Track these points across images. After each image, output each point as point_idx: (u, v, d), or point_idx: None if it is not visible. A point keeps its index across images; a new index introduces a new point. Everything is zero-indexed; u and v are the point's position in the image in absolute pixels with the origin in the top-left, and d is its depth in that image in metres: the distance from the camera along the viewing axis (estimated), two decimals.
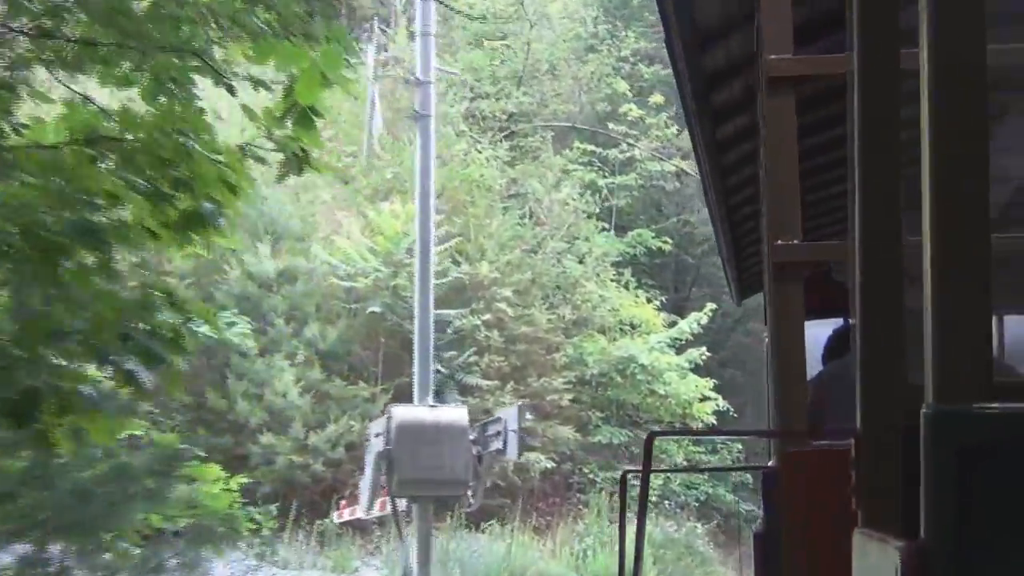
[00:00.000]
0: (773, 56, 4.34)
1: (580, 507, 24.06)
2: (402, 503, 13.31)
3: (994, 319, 4.07)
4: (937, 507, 1.55)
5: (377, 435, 12.39)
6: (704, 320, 25.88)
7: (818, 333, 5.52)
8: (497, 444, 12.88)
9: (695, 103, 6.15)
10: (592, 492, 23.84)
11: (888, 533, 1.83)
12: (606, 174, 29.18)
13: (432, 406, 12.81)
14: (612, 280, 25.78)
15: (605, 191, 29.31)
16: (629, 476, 5.80)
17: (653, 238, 29.12)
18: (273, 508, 20.48)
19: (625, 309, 25.80)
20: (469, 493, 13.43)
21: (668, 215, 30.76)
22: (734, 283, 11.10)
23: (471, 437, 13.12)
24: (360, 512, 14.49)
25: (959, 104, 1.62)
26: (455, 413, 13.05)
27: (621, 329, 25.87)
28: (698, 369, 26.44)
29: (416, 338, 13.24)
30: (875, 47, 2.07)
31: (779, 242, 4.32)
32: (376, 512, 14.03)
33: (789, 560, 3.89)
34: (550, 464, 23.36)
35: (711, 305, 26.28)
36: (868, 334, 2.08)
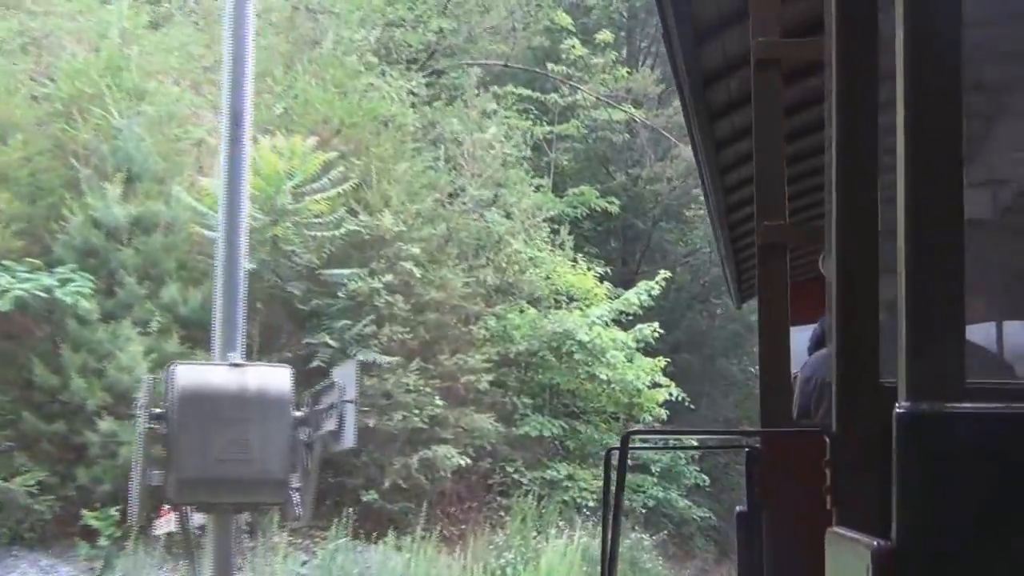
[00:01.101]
0: (761, 39, 4.37)
1: (501, 514, 19.74)
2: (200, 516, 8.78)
3: (994, 324, 4.62)
4: (908, 507, 1.57)
5: (146, 408, 7.88)
6: (655, 291, 21.61)
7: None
8: (331, 423, 8.47)
9: (693, 101, 6.18)
10: (516, 495, 19.52)
11: (860, 533, 1.85)
12: (544, 122, 24.86)
13: (235, 364, 8.28)
14: (546, 241, 21.40)
15: (542, 143, 24.99)
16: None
17: (598, 198, 24.82)
18: (114, 511, 16.31)
19: (561, 276, 21.47)
20: (295, 501, 8.94)
21: (616, 172, 26.45)
22: (734, 284, 11.18)
23: (297, 413, 8.69)
24: (147, 521, 10.05)
25: (933, 105, 1.65)
26: (272, 376, 8.48)
27: (556, 300, 21.54)
28: (648, 350, 22.19)
29: (219, 268, 8.77)
30: (853, 40, 2.11)
31: (765, 223, 4.32)
32: (164, 527, 9.58)
33: (771, 539, 3.89)
34: (464, 461, 19.00)
35: (664, 273, 22.01)
36: (843, 334, 2.12)
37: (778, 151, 4.41)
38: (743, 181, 7.63)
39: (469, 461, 19.21)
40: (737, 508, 4.83)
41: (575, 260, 21.83)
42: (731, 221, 8.72)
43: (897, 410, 1.61)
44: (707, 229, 26.60)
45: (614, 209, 24.84)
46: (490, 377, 19.45)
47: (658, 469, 22.55)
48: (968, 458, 1.56)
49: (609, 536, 4.09)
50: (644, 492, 22.24)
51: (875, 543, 1.62)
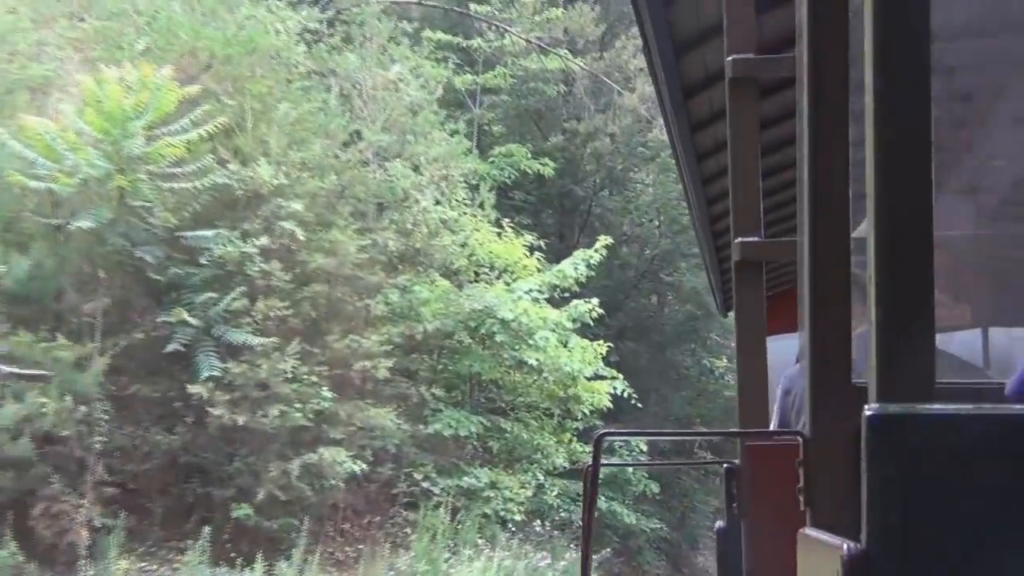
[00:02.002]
0: (735, 56, 4.41)
1: (407, 531, 16.10)
2: None
3: (979, 332, 5.21)
4: (878, 509, 1.56)
5: None
6: (595, 260, 18.09)
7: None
8: None
9: (674, 112, 6.20)
10: (426, 507, 15.93)
11: (832, 535, 1.84)
12: (464, 71, 21.27)
13: None
14: (463, 201, 17.76)
15: (464, 97, 21.41)
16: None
17: (529, 159, 21.27)
18: None
19: (483, 245, 17.90)
20: None
21: (552, 132, 22.90)
22: (719, 293, 11.39)
23: None
24: None
25: (902, 106, 1.69)
26: None
27: (476, 273, 17.97)
28: (588, 334, 18.69)
29: None
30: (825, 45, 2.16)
31: (738, 240, 4.35)
32: None
33: (750, 555, 3.91)
34: (360, 467, 15.39)
35: (605, 239, 18.49)
36: (815, 336, 2.13)
37: (754, 169, 4.39)
38: (726, 192, 7.30)
39: (365, 467, 15.58)
40: (717, 523, 4.71)
41: (499, 225, 18.23)
42: (715, 230, 8.66)
43: (866, 411, 1.60)
44: (656, 194, 23.20)
45: (548, 172, 21.29)
46: (391, 363, 15.79)
47: (601, 476, 18.93)
48: (938, 459, 1.55)
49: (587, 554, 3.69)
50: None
51: (846, 545, 1.61)
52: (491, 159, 20.99)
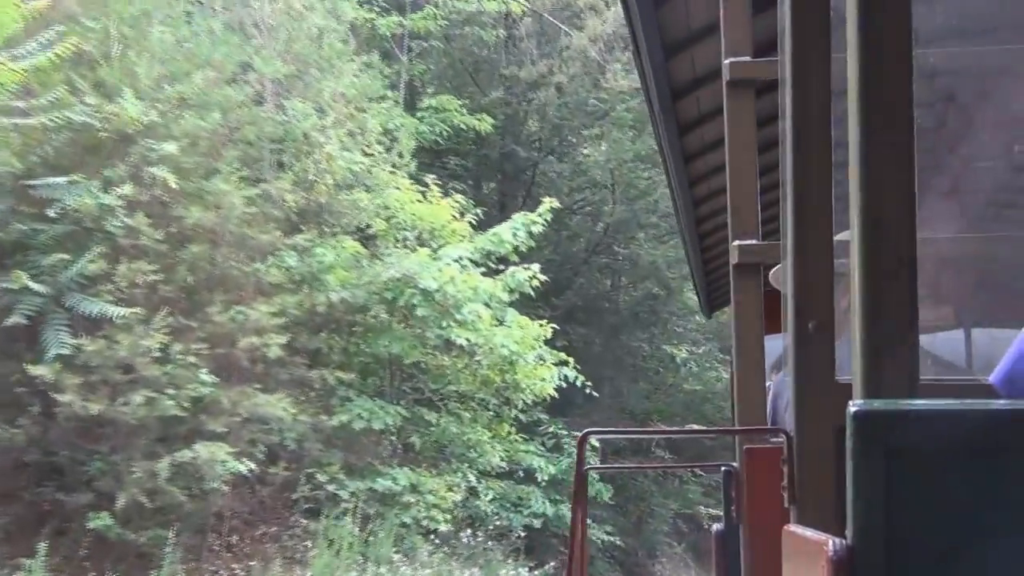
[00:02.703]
0: (732, 59, 4.45)
1: (307, 543, 13.33)
2: None
3: (962, 332, 5.18)
4: (862, 505, 1.56)
5: None
6: (538, 226, 15.39)
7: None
8: None
9: (663, 114, 6.24)
10: (330, 514, 13.19)
11: (817, 531, 1.85)
12: (390, 13, 18.53)
13: None
14: (380, 153, 14.95)
15: (389, 42, 18.69)
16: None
17: (463, 114, 18.54)
18: None
19: (403, 207, 15.15)
20: None
21: (489, 84, 20.18)
22: (703, 294, 11.55)
23: None
24: None
25: (885, 108, 1.71)
26: None
27: (396, 237, 15.22)
28: (531, 312, 16.05)
29: None
30: (807, 50, 2.20)
31: (736, 242, 4.42)
32: None
33: (749, 558, 3.90)
34: (248, 466, 12.62)
35: (551, 202, 15.78)
36: (799, 335, 2.18)
37: (752, 172, 4.42)
38: (713, 192, 7.72)
39: (255, 467, 12.79)
40: (715, 527, 4.69)
41: (424, 183, 15.47)
42: (701, 232, 8.76)
43: (850, 408, 1.60)
44: (611, 154, 20.49)
45: (486, 128, 18.54)
46: (284, 340, 12.99)
47: (546, 478, 16.39)
48: (922, 455, 1.56)
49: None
50: (528, 509, 16.10)
51: (830, 542, 1.61)
52: (419, 114, 18.24)
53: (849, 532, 1.59)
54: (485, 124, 18.44)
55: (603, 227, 20.70)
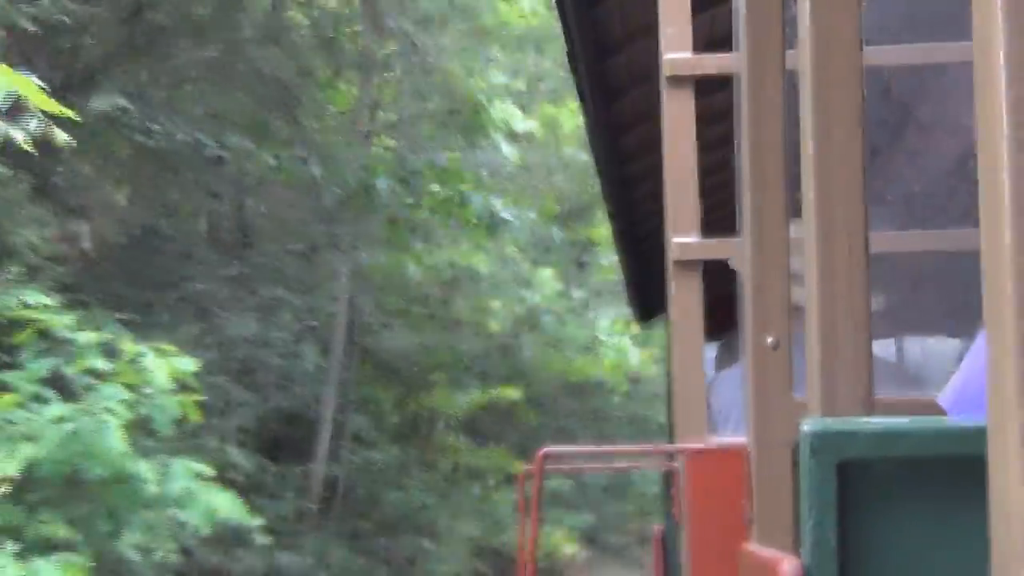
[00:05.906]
0: (671, 55, 4.36)
1: None
2: None
3: (893, 342, 5.01)
4: (816, 524, 1.54)
5: None
6: None
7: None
8: None
9: (595, 114, 6.40)
10: None
11: (772, 550, 1.86)
12: None
13: None
14: None
15: None
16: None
17: None
18: None
19: None
20: None
21: None
22: (636, 300, 11.55)
23: None
24: None
25: (836, 112, 1.69)
26: None
27: None
28: None
29: None
30: (761, 46, 2.18)
31: (675, 240, 4.34)
32: None
33: (689, 559, 3.88)
34: None
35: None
36: (756, 351, 2.15)
37: (691, 167, 4.36)
38: (647, 196, 7.74)
39: None
40: (655, 526, 4.94)
41: None
42: (638, 235, 8.86)
43: (803, 426, 1.56)
44: None
45: None
46: None
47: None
48: (876, 473, 1.53)
49: None
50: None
51: (784, 561, 1.60)
52: None
53: (803, 551, 1.59)
54: None
55: None
